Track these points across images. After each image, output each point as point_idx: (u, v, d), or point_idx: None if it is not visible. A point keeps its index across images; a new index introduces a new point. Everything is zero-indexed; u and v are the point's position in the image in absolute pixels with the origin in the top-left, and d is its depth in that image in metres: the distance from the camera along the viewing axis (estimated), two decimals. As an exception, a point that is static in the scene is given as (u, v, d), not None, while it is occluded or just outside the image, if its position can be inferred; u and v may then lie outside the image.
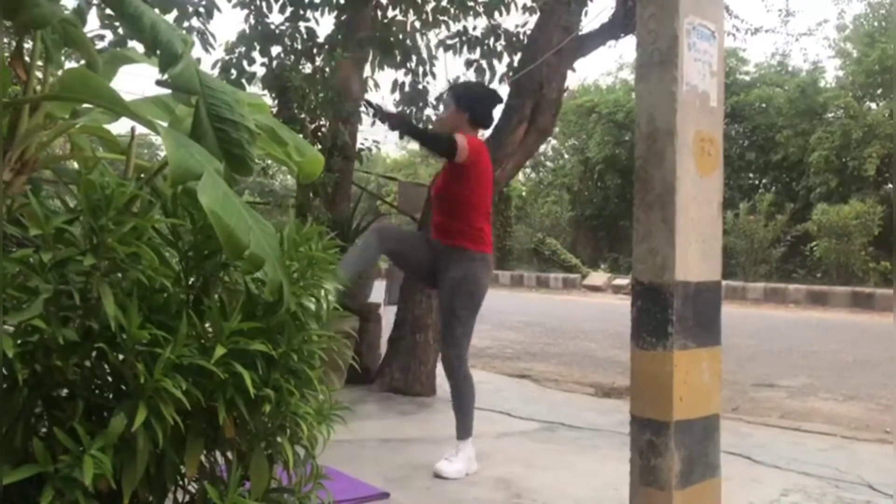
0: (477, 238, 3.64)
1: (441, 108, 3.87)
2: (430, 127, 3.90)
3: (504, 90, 5.60)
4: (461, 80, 6.29)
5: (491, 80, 6.24)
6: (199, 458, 1.54)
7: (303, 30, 5.77)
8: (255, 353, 1.53)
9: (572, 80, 5.72)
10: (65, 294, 1.39)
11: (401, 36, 6.15)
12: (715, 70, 2.45)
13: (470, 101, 3.71)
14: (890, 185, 15.99)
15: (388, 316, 5.55)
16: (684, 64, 2.34)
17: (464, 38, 6.26)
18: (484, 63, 6.25)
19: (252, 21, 5.72)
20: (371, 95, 6.07)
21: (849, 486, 3.45)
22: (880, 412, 5.30)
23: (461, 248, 3.61)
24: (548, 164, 23.16)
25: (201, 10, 5.56)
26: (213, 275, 1.64)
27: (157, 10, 1.79)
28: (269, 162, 5.94)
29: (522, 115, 5.20)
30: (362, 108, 5.54)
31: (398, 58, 6.06)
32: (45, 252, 1.37)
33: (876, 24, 17.05)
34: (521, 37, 6.11)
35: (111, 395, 1.50)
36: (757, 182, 18.72)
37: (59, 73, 1.97)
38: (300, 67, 5.58)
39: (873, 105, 16.58)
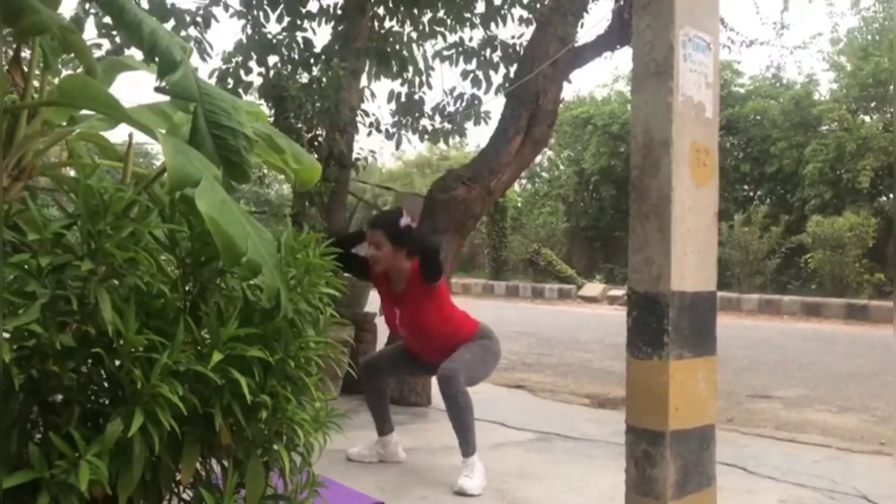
0: (462, 336, 3.71)
1: (367, 247, 3.74)
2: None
3: (500, 101, 5.64)
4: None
5: (487, 91, 6.27)
6: (194, 465, 1.54)
7: (300, 40, 5.79)
8: (252, 360, 1.53)
9: (568, 92, 5.74)
10: (62, 299, 1.39)
11: (397, 46, 6.17)
12: (710, 81, 2.47)
13: (402, 235, 3.62)
14: (884, 198, 16.05)
15: (383, 326, 5.53)
16: (680, 75, 2.35)
17: (460, 49, 6.30)
18: (480, 74, 6.28)
19: (249, 31, 5.74)
20: (367, 105, 6.09)
21: (844, 498, 3.45)
22: (875, 423, 5.30)
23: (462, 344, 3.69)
24: (543, 174, 23.20)
25: (198, 19, 5.58)
26: (211, 281, 1.64)
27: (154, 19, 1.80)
28: (265, 171, 5.95)
29: (518, 126, 5.22)
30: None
31: (395, 68, 6.08)
32: (43, 257, 1.37)
33: (869, 37, 17.15)
34: (518, 48, 6.15)
35: (107, 401, 1.49)
36: (752, 194, 18.77)
37: (57, 80, 1.97)
38: (297, 77, 5.59)
39: (867, 118, 16.65)
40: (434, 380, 5.25)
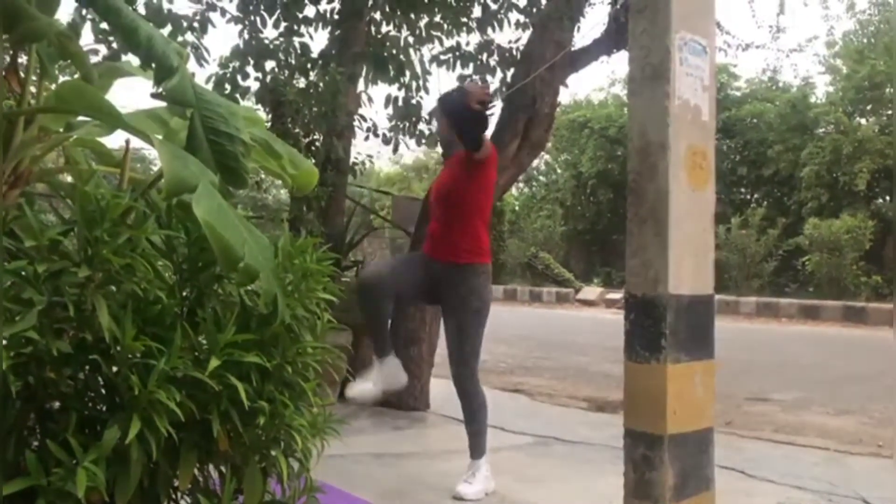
0: (478, 249, 3.60)
1: (434, 122, 3.90)
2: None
3: (497, 105, 5.63)
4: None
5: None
6: (192, 471, 1.53)
7: (297, 45, 5.80)
8: (250, 365, 1.53)
9: (565, 96, 5.77)
10: (59, 306, 1.38)
11: (394, 51, 6.18)
12: (706, 85, 2.47)
13: (452, 114, 3.60)
14: (880, 200, 16.09)
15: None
16: (676, 78, 2.36)
17: (457, 54, 6.30)
18: (477, 78, 6.28)
19: (246, 36, 5.74)
20: (364, 110, 6.09)
21: (842, 500, 3.45)
22: (873, 426, 5.30)
23: (465, 265, 3.55)
24: (541, 178, 23.23)
25: (195, 24, 5.58)
26: (208, 287, 1.64)
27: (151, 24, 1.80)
28: (263, 176, 5.95)
29: (515, 130, 5.22)
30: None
31: (392, 73, 6.08)
32: (40, 263, 1.37)
33: (865, 40, 17.22)
34: (514, 52, 6.15)
35: (105, 408, 1.49)
36: (749, 197, 18.81)
37: (54, 86, 1.97)
38: (294, 82, 5.59)
39: (863, 120, 16.71)
40: (432, 383, 5.29)
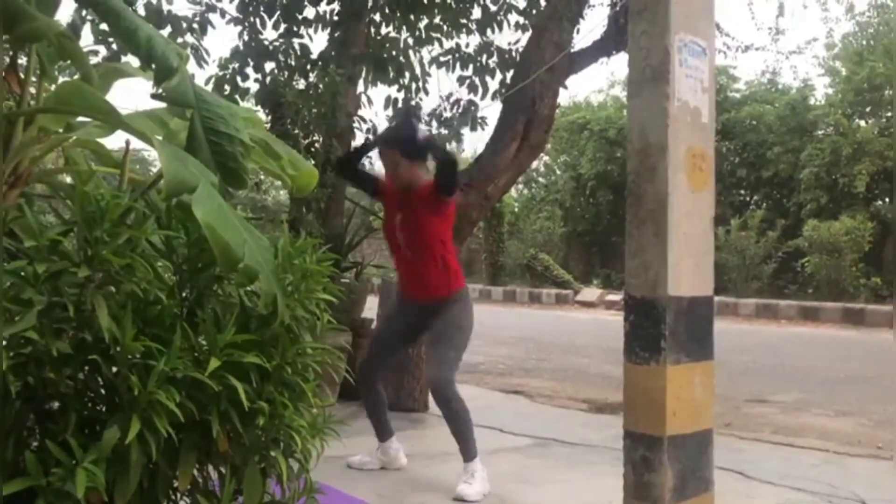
0: (452, 279, 3.68)
1: (381, 164, 3.79)
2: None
3: (497, 107, 5.64)
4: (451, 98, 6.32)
5: (483, 97, 6.28)
6: (192, 472, 1.53)
7: (296, 46, 5.80)
8: (249, 366, 1.53)
9: (564, 97, 5.80)
10: (58, 306, 1.38)
11: (394, 52, 6.18)
12: (706, 86, 2.47)
13: (413, 147, 3.63)
14: (880, 202, 16.08)
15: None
16: (676, 80, 2.36)
17: (457, 55, 6.31)
18: (476, 80, 6.29)
19: (246, 37, 5.74)
20: (364, 111, 6.09)
21: (842, 502, 3.46)
22: (872, 427, 5.30)
23: (443, 297, 3.66)
24: (540, 180, 23.20)
25: (195, 26, 5.59)
26: (207, 287, 1.64)
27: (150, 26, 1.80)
28: (262, 177, 5.95)
29: (515, 132, 5.23)
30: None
31: (391, 74, 6.09)
32: (39, 264, 1.37)
33: (864, 42, 17.22)
34: (514, 54, 6.16)
35: (104, 408, 1.49)
36: (748, 198, 18.78)
37: (53, 86, 1.97)
38: (294, 83, 5.60)
39: (862, 122, 16.68)
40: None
